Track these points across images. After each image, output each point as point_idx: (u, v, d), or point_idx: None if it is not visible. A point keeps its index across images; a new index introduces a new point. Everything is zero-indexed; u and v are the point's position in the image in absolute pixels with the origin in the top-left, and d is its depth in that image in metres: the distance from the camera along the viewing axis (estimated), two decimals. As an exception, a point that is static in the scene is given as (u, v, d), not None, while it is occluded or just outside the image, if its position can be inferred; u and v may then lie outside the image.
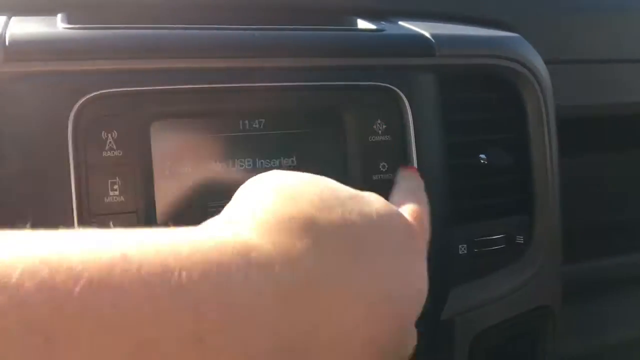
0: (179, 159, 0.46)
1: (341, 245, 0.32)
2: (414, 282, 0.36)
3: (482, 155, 0.57)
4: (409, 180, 0.47)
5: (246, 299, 0.27)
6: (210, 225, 0.33)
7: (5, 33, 0.43)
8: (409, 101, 0.51)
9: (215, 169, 0.47)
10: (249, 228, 0.31)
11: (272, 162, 0.48)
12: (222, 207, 0.41)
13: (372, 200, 0.36)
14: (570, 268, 0.63)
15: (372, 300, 0.32)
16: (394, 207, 0.37)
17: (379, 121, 0.51)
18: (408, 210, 0.40)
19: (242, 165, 0.48)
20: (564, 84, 0.65)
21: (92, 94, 0.43)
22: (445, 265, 0.54)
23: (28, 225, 0.28)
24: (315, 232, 0.31)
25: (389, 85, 0.51)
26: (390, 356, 0.34)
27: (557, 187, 0.60)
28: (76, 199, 0.43)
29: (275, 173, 0.37)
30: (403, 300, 0.34)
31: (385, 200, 0.37)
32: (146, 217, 0.45)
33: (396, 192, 0.45)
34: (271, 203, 0.32)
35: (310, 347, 0.29)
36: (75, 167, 0.43)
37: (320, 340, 0.29)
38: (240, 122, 0.48)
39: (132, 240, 0.26)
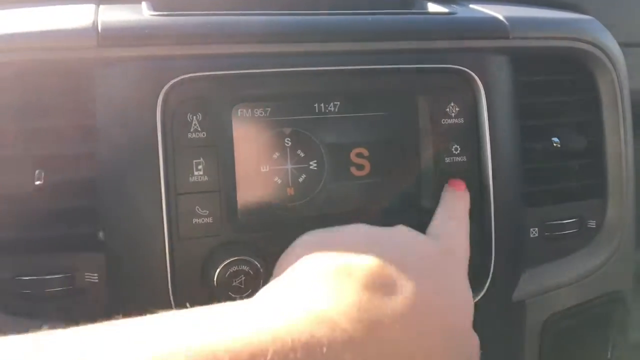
0: (258, 141, 0.47)
1: (395, 287, 0.35)
2: (459, 294, 0.40)
3: (555, 139, 0.57)
4: (450, 200, 0.49)
5: None
6: (279, 295, 0.36)
7: (97, 20, 0.46)
8: (482, 83, 0.51)
9: (292, 151, 0.48)
10: (316, 293, 0.34)
11: (346, 144, 0.49)
12: (299, 185, 0.48)
13: (404, 234, 0.42)
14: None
15: (438, 323, 0.36)
16: (420, 236, 0.42)
17: (452, 104, 0.51)
18: (444, 234, 0.44)
19: (318, 147, 0.49)
20: (638, 67, 0.63)
21: (178, 78, 0.45)
22: (517, 248, 0.54)
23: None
24: (348, 273, 0.35)
25: (462, 68, 0.51)
26: None
27: (632, 171, 0.59)
28: (164, 177, 0.45)
29: (304, 235, 0.42)
30: (455, 312, 0.38)
31: (415, 232, 0.42)
32: (228, 196, 0.46)
33: (438, 214, 0.48)
34: (316, 259, 0.37)
35: None
36: (163, 148, 0.45)
37: None
38: (316, 105, 0.49)
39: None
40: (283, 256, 0.42)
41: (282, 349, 0.28)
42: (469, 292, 0.42)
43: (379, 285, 0.35)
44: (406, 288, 0.35)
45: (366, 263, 0.36)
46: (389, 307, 0.34)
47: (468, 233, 0.46)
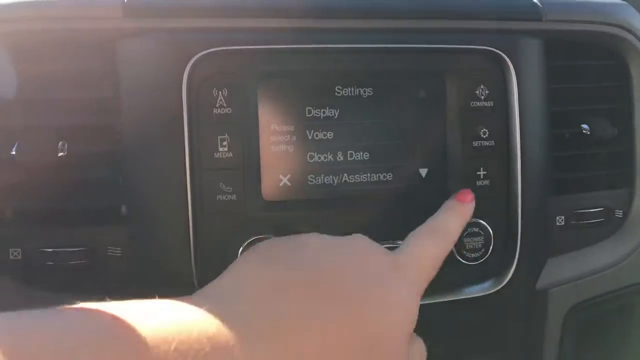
0: (283, 118, 0.47)
1: (302, 291, 0.35)
2: (392, 308, 0.37)
3: (585, 126, 0.55)
4: (443, 215, 0.47)
5: None
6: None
7: None
8: (514, 66, 0.50)
9: (318, 129, 0.47)
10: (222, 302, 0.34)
11: (372, 124, 0.48)
12: (323, 164, 0.47)
13: (352, 244, 0.40)
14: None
15: (341, 329, 0.35)
16: (373, 247, 0.41)
17: (481, 86, 0.50)
18: (410, 250, 0.42)
19: (344, 126, 0.48)
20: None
21: (205, 51, 0.44)
22: (542, 236, 0.53)
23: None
24: (276, 285, 0.35)
25: (493, 49, 0.50)
26: None
27: (662, 161, 0.58)
28: (188, 152, 0.44)
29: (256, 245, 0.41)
30: (379, 326, 0.36)
31: (369, 242, 0.41)
32: (252, 174, 0.46)
33: (423, 225, 0.45)
34: (241, 273, 0.37)
35: None
36: (188, 123, 0.44)
37: None
38: (342, 83, 0.48)
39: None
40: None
41: (187, 340, 0.29)
42: (407, 314, 0.38)
43: (303, 299, 0.35)
44: (329, 301, 0.35)
45: (294, 273, 0.36)
46: (305, 315, 0.34)
47: (445, 254, 0.43)
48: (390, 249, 0.48)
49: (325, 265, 0.37)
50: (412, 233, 0.44)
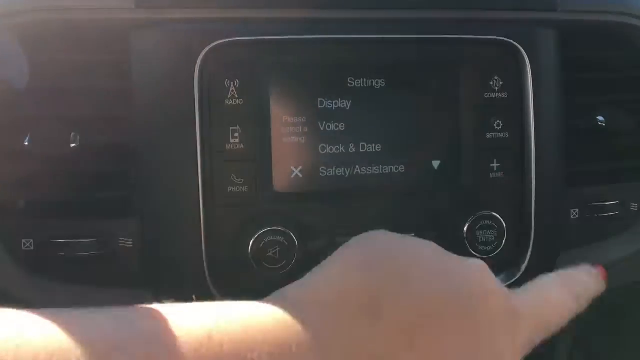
0: (295, 110, 0.46)
1: (399, 326, 0.30)
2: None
3: (600, 117, 0.54)
4: (580, 278, 0.41)
5: None
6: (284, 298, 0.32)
7: None
8: (529, 57, 0.49)
9: (330, 120, 0.47)
10: (312, 308, 0.30)
11: (385, 116, 0.48)
12: (334, 156, 0.46)
13: (472, 271, 0.34)
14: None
15: None
16: (493, 280, 0.34)
17: (496, 77, 0.50)
18: (531, 296, 0.37)
19: (357, 118, 0.48)
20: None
21: (217, 42, 0.44)
22: (556, 229, 0.53)
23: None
24: (375, 311, 0.30)
25: (508, 40, 0.49)
26: None
27: (679, 154, 0.57)
28: (200, 144, 0.44)
29: (370, 236, 0.36)
30: None
31: (489, 273, 0.35)
32: (263, 166, 0.45)
33: (560, 274, 0.40)
34: (340, 277, 0.32)
35: None
36: (200, 114, 0.44)
37: None
38: (356, 74, 0.47)
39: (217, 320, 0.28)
40: (350, 244, 0.36)
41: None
42: None
43: (396, 332, 0.30)
44: (427, 341, 0.31)
45: (395, 297, 0.31)
46: (392, 351, 0.30)
47: (568, 317, 0.38)
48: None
49: (435, 295, 0.32)
50: (546, 276, 0.40)
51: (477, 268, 0.35)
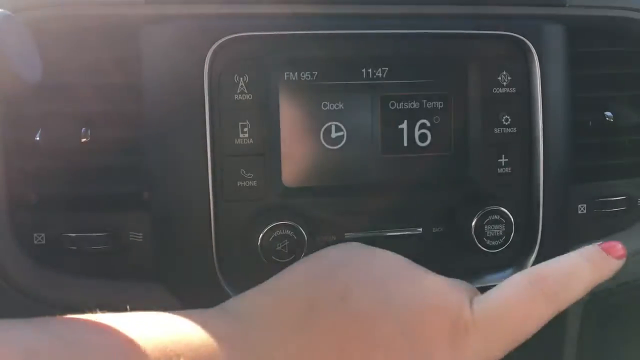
0: (304, 105, 0.47)
1: (330, 339, 0.30)
2: None
3: (608, 113, 0.54)
4: (574, 261, 0.36)
5: None
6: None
7: None
8: (537, 52, 0.49)
9: (339, 114, 0.47)
10: (248, 320, 0.31)
11: (393, 111, 0.48)
12: (345, 152, 0.46)
13: (427, 284, 0.33)
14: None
15: None
16: (440, 303, 0.32)
17: (504, 72, 0.50)
18: (493, 303, 0.33)
19: (366, 114, 0.48)
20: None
21: (226, 37, 0.44)
22: (564, 224, 0.53)
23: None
24: (306, 324, 0.30)
25: (516, 35, 0.49)
26: None
27: (686, 150, 0.57)
28: (210, 138, 0.44)
29: (334, 248, 0.36)
30: None
31: (449, 284, 0.33)
32: (273, 161, 0.46)
33: (536, 269, 0.35)
34: (279, 291, 0.33)
35: None
36: (210, 108, 0.44)
37: None
38: (364, 69, 0.48)
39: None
40: (303, 259, 0.37)
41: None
42: None
43: (330, 347, 0.30)
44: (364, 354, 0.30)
45: (333, 312, 0.31)
46: None
47: (550, 317, 0.34)
48: (409, 235, 0.49)
49: (370, 312, 0.31)
50: (513, 277, 0.35)
51: (430, 283, 0.33)
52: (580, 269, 0.35)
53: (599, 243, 0.37)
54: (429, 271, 0.35)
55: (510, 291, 0.34)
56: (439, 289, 0.33)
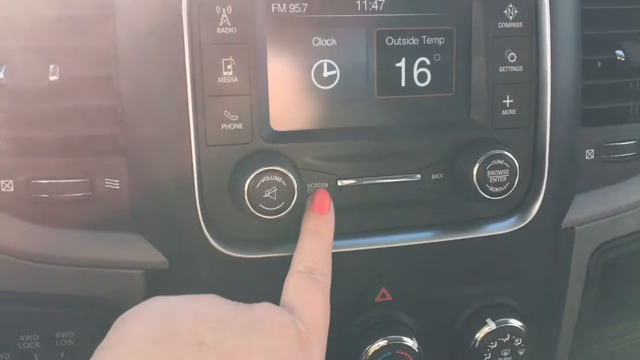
0: (294, 40, 0.43)
1: None
2: None
3: (619, 52, 0.51)
4: (309, 241, 0.41)
5: None
6: None
7: None
8: None
9: (331, 51, 0.44)
10: None
11: (389, 47, 0.45)
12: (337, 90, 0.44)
13: (263, 318, 0.35)
14: None
15: None
16: (281, 319, 0.35)
17: (510, 5, 0.46)
18: (301, 305, 0.37)
19: (360, 50, 0.44)
20: None
21: None
22: (571, 170, 0.50)
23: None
24: None
25: (524, -35, 0.45)
26: None
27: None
28: (190, 76, 0.41)
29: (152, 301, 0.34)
30: None
31: (275, 313, 0.35)
32: (259, 101, 0.42)
33: (293, 267, 0.40)
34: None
35: None
36: (189, 43, 0.40)
37: None
38: (359, 1, 0.44)
39: None
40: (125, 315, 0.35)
41: None
42: None
43: None
44: None
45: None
46: None
47: (328, 288, 0.39)
48: (406, 183, 0.46)
49: (235, 341, 0.32)
50: (286, 284, 0.39)
51: (261, 307, 0.35)
52: (318, 249, 0.41)
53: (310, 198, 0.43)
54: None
55: (306, 297, 0.38)
56: (272, 309, 0.36)
